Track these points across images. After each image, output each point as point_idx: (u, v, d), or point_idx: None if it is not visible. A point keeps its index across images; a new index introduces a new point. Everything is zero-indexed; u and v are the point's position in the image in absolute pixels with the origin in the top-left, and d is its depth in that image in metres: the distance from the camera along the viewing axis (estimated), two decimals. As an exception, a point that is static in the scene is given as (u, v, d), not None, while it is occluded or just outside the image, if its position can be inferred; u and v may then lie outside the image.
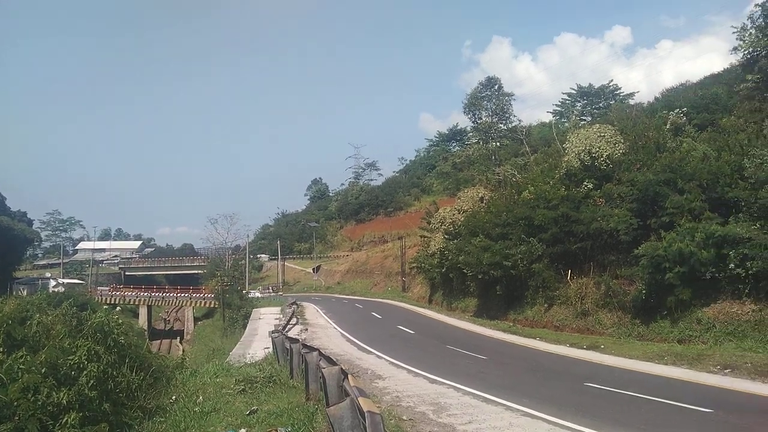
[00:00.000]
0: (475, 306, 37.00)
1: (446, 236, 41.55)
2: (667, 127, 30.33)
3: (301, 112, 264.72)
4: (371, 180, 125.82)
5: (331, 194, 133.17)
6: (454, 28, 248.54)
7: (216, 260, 67.14)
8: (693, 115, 31.30)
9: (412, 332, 30.01)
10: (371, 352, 22.99)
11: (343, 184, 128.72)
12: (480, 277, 32.61)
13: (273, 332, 23.87)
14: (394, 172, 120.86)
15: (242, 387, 15.21)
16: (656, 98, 47.99)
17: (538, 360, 20.25)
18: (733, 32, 31.30)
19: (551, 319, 27.70)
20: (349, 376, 9.18)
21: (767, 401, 12.54)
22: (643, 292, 22.27)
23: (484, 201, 40.80)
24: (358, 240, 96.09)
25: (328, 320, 37.50)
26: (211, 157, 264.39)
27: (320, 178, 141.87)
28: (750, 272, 18.75)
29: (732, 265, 19.20)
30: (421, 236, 52.63)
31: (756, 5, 29.75)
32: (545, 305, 28.71)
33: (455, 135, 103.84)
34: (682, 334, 20.51)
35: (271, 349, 21.74)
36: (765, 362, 15.67)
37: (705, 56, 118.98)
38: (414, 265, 53.09)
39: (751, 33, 29.77)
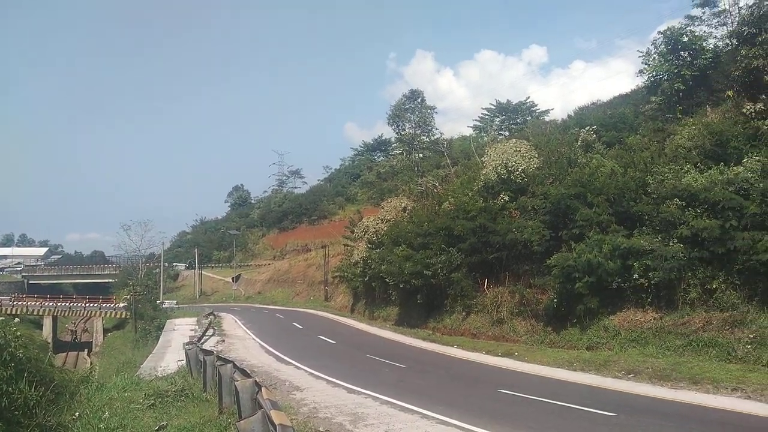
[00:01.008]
0: (397, 315, 37.28)
1: (369, 245, 41.72)
2: (579, 143, 31.92)
3: (223, 117, 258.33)
4: (295, 188, 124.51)
5: (253, 201, 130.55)
6: (380, 40, 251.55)
7: (128, 269, 64.26)
8: (602, 132, 33.03)
9: (333, 342, 29.82)
10: (290, 363, 22.63)
11: (265, 192, 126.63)
12: (402, 286, 32.95)
13: (187, 344, 23.06)
14: (318, 180, 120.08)
15: (152, 401, 14.65)
16: (569, 116, 50.19)
17: (456, 367, 20.63)
18: (639, 56, 33.48)
19: (469, 327, 28.34)
20: (263, 388, 8.97)
21: (664, 404, 13.31)
22: (555, 300, 23.24)
23: (407, 211, 41.34)
24: (280, 249, 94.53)
25: (247, 331, 36.63)
26: (126, 160, 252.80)
27: (242, 185, 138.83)
28: (652, 282, 19.95)
29: (636, 275, 20.36)
30: (344, 245, 52.53)
31: (659, 32, 31.98)
32: (463, 313, 29.36)
33: (380, 145, 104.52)
34: (590, 341, 21.50)
35: (184, 362, 20.98)
36: (664, 367, 16.66)
37: (614, 77, 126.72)
38: (337, 274, 52.87)
39: (654, 58, 31.89)
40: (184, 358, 21.03)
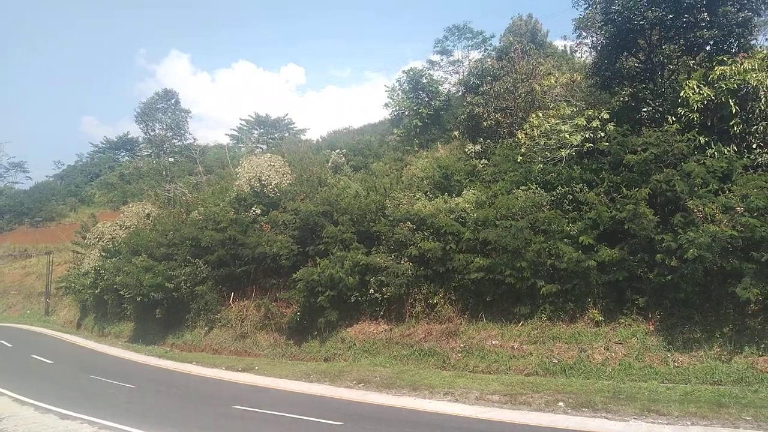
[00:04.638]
0: (131, 331, 34.35)
1: (104, 254, 37.79)
2: (329, 164, 33.56)
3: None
4: (16, 183, 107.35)
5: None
6: (128, 32, 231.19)
7: None
8: (351, 156, 35.25)
9: (49, 362, 26.24)
10: (-11, 388, 19.25)
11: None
12: (139, 299, 30.42)
13: None
14: (47, 176, 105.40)
15: None
16: (322, 137, 52.53)
17: (192, 385, 19.75)
18: (385, 91, 36.71)
19: (210, 343, 27.41)
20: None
21: (387, 410, 14.49)
22: (298, 314, 23.88)
23: (151, 218, 38.55)
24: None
25: (-67, 351, 30.24)
26: None
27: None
28: (385, 296, 21.74)
29: (372, 290, 21.98)
30: (74, 252, 46.84)
31: (403, 71, 35.54)
32: (206, 328, 28.32)
33: (125, 144, 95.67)
34: (328, 353, 22.48)
35: None
36: (390, 375, 18.18)
37: (365, 106, 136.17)
38: (62, 284, 46.73)
39: (398, 94, 35.30)
40: None
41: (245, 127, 72.70)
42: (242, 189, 30.71)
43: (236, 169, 34.14)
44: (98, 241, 39.05)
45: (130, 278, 30.09)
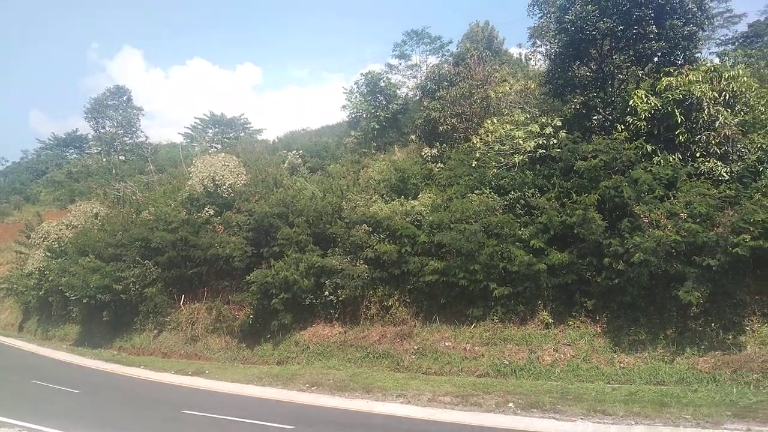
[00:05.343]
0: (77, 334, 33.19)
1: (49, 254, 36.43)
2: (286, 165, 33.22)
3: None
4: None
5: None
6: (80, 26, 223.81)
7: None
8: (308, 158, 34.96)
9: (-13, 367, 25.15)
10: None
11: None
12: (85, 301, 29.42)
13: None
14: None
15: None
16: (279, 138, 51.85)
17: (139, 390, 19.25)
18: (344, 93, 36.64)
19: (159, 346, 26.73)
20: None
21: (339, 413, 14.45)
22: (251, 317, 23.53)
23: (99, 217, 37.37)
24: (-75, 253, 76.34)
25: None
26: None
27: None
28: (340, 299, 21.68)
29: (327, 293, 21.87)
30: (17, 252, 45.00)
31: (361, 74, 35.58)
32: (155, 331, 27.60)
33: (74, 141, 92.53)
34: (281, 356, 22.22)
35: None
36: (343, 378, 18.11)
37: (323, 108, 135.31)
38: (4, 285, 44.81)
39: (356, 96, 35.26)
40: None
41: (199, 126, 71.21)
42: (195, 189, 30.07)
43: (189, 169, 33.40)
44: (43, 241, 37.65)
45: (77, 279, 29.08)
